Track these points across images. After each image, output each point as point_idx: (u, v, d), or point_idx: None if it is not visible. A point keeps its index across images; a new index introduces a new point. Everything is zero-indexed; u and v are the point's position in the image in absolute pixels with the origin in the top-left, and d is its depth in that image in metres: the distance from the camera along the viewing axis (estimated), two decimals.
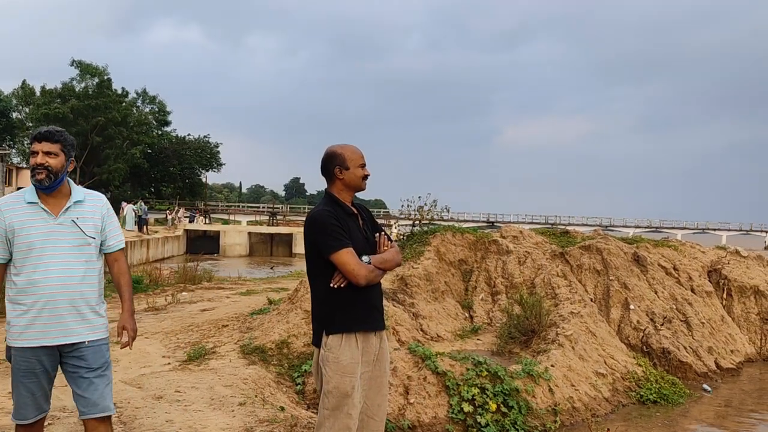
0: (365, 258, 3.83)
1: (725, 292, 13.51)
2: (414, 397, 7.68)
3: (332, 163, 3.96)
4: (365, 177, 4.02)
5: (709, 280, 13.69)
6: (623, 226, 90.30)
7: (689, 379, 10.58)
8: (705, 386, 10.40)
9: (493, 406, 7.43)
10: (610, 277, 12.20)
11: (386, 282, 11.45)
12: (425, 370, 7.86)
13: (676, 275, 13.25)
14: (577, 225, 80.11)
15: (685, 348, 11.11)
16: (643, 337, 11.16)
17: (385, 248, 4.04)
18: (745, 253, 14.99)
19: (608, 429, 7.77)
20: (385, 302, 10.62)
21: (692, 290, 12.99)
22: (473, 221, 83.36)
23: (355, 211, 4.03)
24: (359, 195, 4.22)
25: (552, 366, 8.76)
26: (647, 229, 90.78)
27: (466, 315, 11.92)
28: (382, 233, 4.13)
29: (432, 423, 7.40)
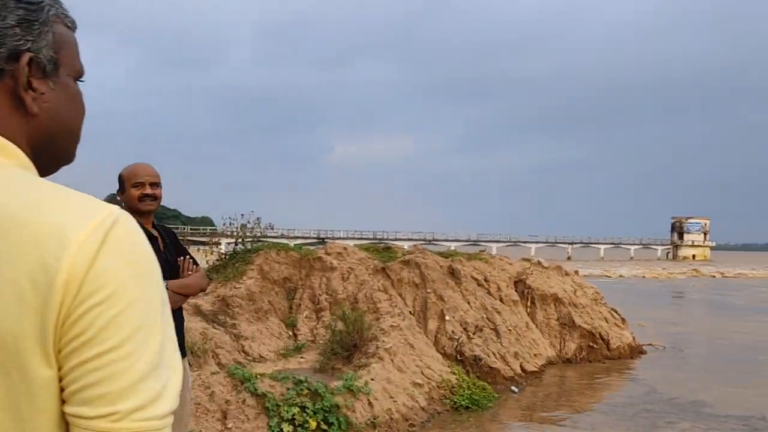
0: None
1: (529, 301, 14.71)
2: (232, 421, 7.48)
3: (118, 186, 3.84)
4: (142, 197, 3.78)
5: (516, 290, 14.83)
6: (445, 240, 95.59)
7: (498, 383, 11.36)
8: (513, 388, 11.25)
9: (313, 424, 7.45)
10: (428, 290, 12.79)
11: (207, 303, 11.10)
12: (244, 393, 7.70)
13: (487, 286, 14.20)
14: (404, 240, 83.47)
15: (494, 354, 11.93)
16: (457, 345, 11.82)
17: (189, 273, 3.91)
18: (546, 264, 16.48)
19: None
20: (204, 324, 10.28)
21: (501, 300, 13.99)
22: (303, 237, 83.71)
23: (156, 234, 3.87)
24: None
25: (372, 379, 8.98)
26: (466, 243, 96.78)
27: (290, 333, 11.88)
28: (186, 257, 3.99)
29: None
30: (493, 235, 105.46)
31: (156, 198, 3.84)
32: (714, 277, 59.64)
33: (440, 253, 15.51)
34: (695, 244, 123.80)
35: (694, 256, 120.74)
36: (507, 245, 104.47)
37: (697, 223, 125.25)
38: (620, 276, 56.27)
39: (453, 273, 13.71)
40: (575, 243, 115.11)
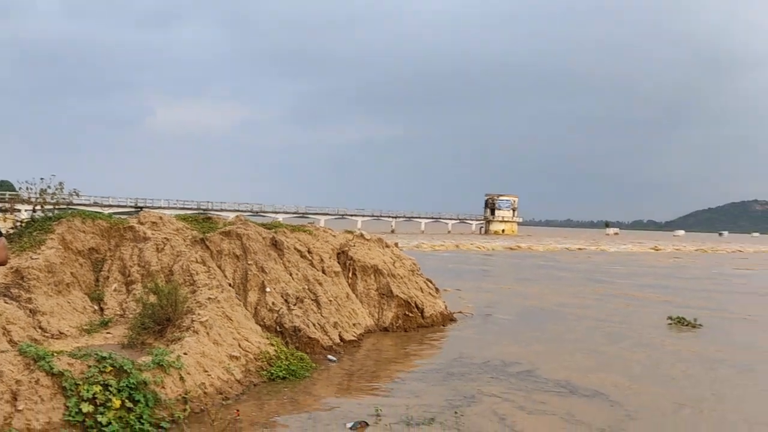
0: None
1: (351, 272, 15.00)
2: (24, 403, 6.79)
3: None
4: None
5: (338, 261, 15.04)
6: (273, 212, 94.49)
7: (317, 353, 11.47)
8: (330, 357, 11.41)
9: (117, 403, 6.98)
10: (249, 262, 12.53)
11: None
12: (38, 372, 7.02)
13: (310, 258, 14.23)
14: (229, 211, 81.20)
15: (314, 325, 12.01)
16: (277, 317, 11.73)
17: None
18: (368, 236, 16.86)
19: (237, 410, 7.95)
20: None
21: (323, 271, 14.10)
22: (120, 206, 78.43)
23: None
24: None
25: (185, 354, 8.61)
26: (294, 215, 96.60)
27: (96, 308, 11.04)
28: None
29: (45, 429, 6.65)
30: (321, 208, 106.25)
31: None
32: (531, 249, 65.14)
33: (264, 225, 15.25)
34: (505, 219, 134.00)
35: (503, 230, 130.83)
36: (335, 218, 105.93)
37: (507, 200, 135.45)
38: (440, 246, 59.51)
39: (276, 244, 13.55)
40: (399, 217, 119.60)
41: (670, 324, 17.19)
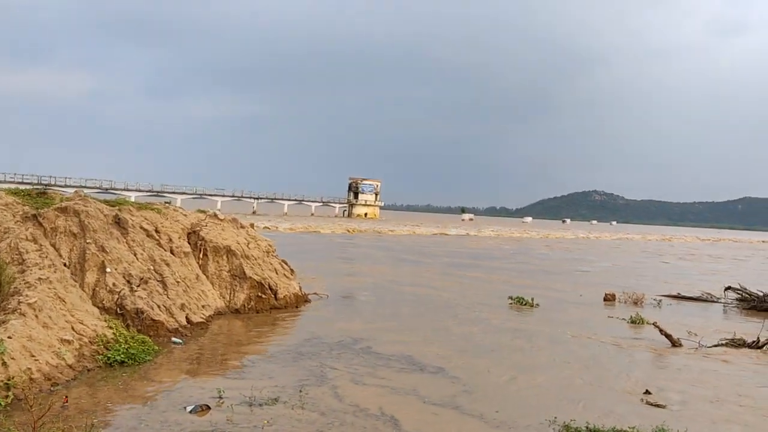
0: None
1: (202, 252, 14.56)
2: None
3: None
4: None
5: (189, 242, 14.54)
6: (125, 189, 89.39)
7: (161, 336, 11.05)
8: (174, 339, 11.04)
9: None
10: (88, 241, 11.78)
11: None
12: None
13: (158, 237, 13.64)
14: (76, 187, 75.76)
15: (159, 307, 11.55)
16: (118, 299, 11.15)
17: None
18: (222, 216, 16.44)
19: (66, 397, 7.49)
20: None
21: (172, 251, 13.58)
22: None
23: None
24: None
25: (9, 338, 7.98)
26: (149, 193, 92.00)
27: None
28: None
29: None
30: (178, 187, 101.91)
31: None
32: (393, 233, 66.50)
33: (107, 202, 14.39)
34: (368, 203, 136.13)
35: (366, 214, 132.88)
36: (193, 198, 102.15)
37: (370, 184, 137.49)
38: (302, 228, 59.32)
39: (119, 223, 12.84)
40: (261, 198, 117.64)
41: (511, 304, 18.34)
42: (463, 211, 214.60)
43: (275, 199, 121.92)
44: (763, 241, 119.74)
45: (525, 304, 18.14)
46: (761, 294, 20.86)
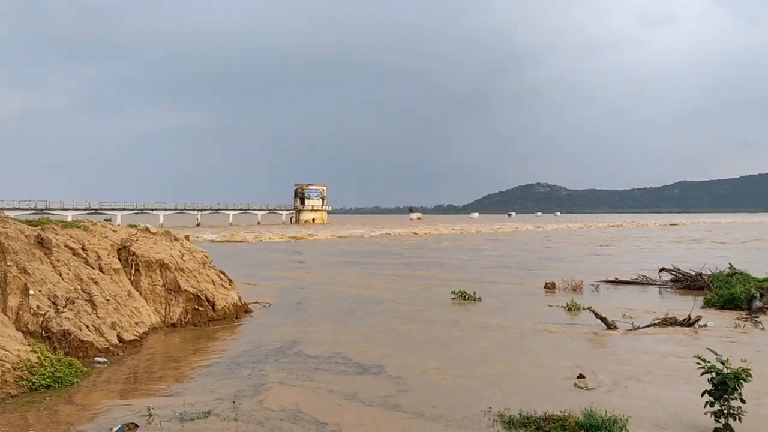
0: None
1: (134, 268, 14.16)
2: None
3: None
4: None
5: (119, 258, 14.12)
6: (61, 209, 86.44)
7: (91, 356, 10.67)
8: (98, 359, 10.65)
9: None
10: (8, 263, 11.29)
11: None
12: None
13: (85, 255, 13.20)
14: (9, 209, 72.99)
15: (87, 327, 11.16)
16: (43, 321, 10.72)
17: None
18: (154, 229, 16.03)
19: None
20: None
21: (101, 269, 13.16)
22: None
23: None
24: None
25: None
26: (87, 212, 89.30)
27: None
28: None
29: None
30: (117, 203, 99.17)
31: None
32: (343, 237, 66.24)
33: (30, 222, 13.85)
34: (315, 208, 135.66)
35: (314, 219, 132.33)
36: (133, 213, 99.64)
37: (316, 189, 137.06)
38: (254, 238, 58.58)
39: (42, 243, 12.35)
40: (205, 209, 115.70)
41: (454, 298, 18.49)
42: (411, 210, 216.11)
43: (220, 209, 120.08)
44: (704, 222, 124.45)
45: (468, 299, 18.31)
46: (693, 273, 21.61)
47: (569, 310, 16.11)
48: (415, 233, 78.07)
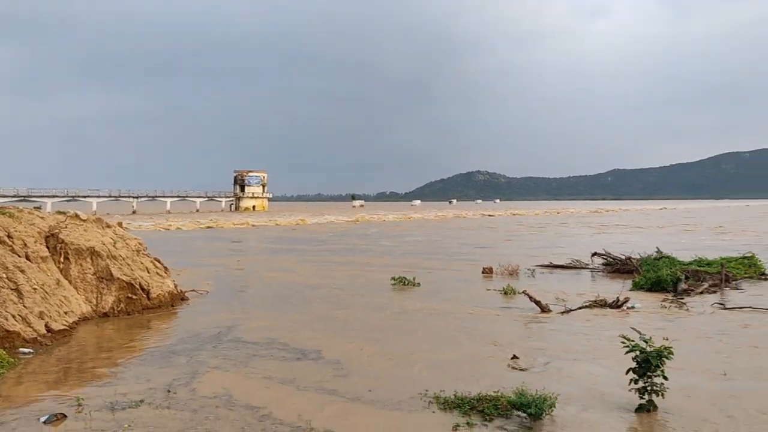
0: None
1: (62, 256, 13.67)
2: None
3: None
4: None
5: (47, 246, 13.60)
6: None
7: (17, 347, 10.28)
8: (23, 350, 10.27)
9: None
10: None
11: None
12: None
13: (11, 243, 12.66)
14: None
15: (13, 317, 10.74)
16: None
17: None
18: (85, 216, 15.50)
19: None
20: None
21: (27, 257, 12.65)
22: None
23: None
24: None
25: None
26: (14, 199, 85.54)
27: None
28: None
29: None
30: (48, 190, 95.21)
31: None
32: (279, 225, 65.54)
33: None
34: (255, 195, 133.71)
35: (254, 207, 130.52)
36: (64, 200, 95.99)
37: (256, 176, 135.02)
38: (193, 225, 57.40)
39: None
40: (141, 197, 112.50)
41: (394, 284, 18.62)
42: (353, 198, 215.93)
43: (156, 196, 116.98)
44: (636, 209, 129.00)
45: (407, 284, 18.48)
46: (623, 257, 22.41)
47: (506, 294, 16.46)
48: (357, 220, 78.16)
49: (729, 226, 55.64)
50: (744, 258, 20.96)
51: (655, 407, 7.38)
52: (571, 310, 13.94)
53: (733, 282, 18.23)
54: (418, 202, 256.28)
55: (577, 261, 24.00)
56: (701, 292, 16.44)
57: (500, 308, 14.61)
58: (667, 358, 7.36)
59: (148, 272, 15.09)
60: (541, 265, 23.69)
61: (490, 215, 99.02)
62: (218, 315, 13.97)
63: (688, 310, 14.20)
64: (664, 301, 15.26)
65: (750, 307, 14.26)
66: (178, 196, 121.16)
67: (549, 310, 13.93)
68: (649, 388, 7.41)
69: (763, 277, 19.62)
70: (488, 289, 17.59)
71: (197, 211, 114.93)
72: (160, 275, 15.43)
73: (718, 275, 18.01)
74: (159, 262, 15.94)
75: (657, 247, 23.92)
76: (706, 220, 73.12)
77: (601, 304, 14.46)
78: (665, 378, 7.36)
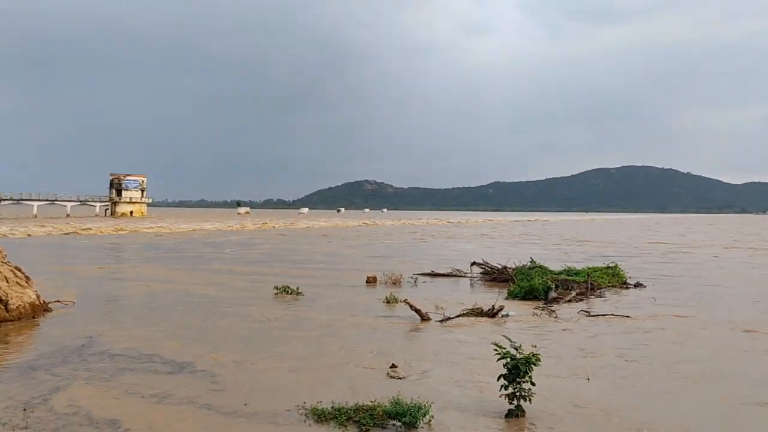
0: None
1: None
2: None
3: None
4: None
5: None
6: None
7: None
8: None
9: None
10: None
11: None
12: None
13: None
14: None
15: None
16: None
17: None
18: None
19: None
20: None
21: None
22: None
23: None
24: None
25: None
26: None
27: None
28: None
29: None
30: None
31: None
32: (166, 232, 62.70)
33: None
34: (133, 200, 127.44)
35: (132, 212, 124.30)
36: None
37: (135, 180, 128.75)
38: (62, 232, 53.68)
39: None
40: (5, 200, 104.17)
41: (276, 294, 18.33)
42: (238, 204, 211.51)
43: (22, 200, 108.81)
44: (514, 221, 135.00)
45: (290, 293, 18.25)
46: (500, 267, 23.34)
47: (388, 302, 16.65)
48: (233, 227, 76.53)
49: (594, 238, 59.50)
50: (608, 268, 22.46)
51: (524, 412, 7.68)
52: (449, 318, 14.29)
53: (598, 291, 19.45)
54: (305, 210, 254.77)
55: (457, 270, 24.73)
56: (569, 300, 17.41)
57: (382, 317, 14.74)
58: (535, 364, 7.68)
59: (7, 282, 13.95)
60: (423, 274, 24.21)
61: (381, 224, 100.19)
62: (84, 327, 13.13)
63: (557, 317, 14.96)
64: (536, 308, 16.00)
65: (611, 314, 15.26)
66: (46, 200, 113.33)
67: (429, 318, 14.21)
68: (518, 394, 7.70)
69: (624, 286, 21.08)
70: (371, 299, 17.71)
71: (68, 215, 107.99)
72: (21, 285, 14.30)
73: (585, 284, 19.17)
74: (20, 270, 14.77)
75: (530, 257, 25.12)
76: (577, 231, 77.86)
77: (478, 312, 14.94)
78: (533, 383, 7.69)
